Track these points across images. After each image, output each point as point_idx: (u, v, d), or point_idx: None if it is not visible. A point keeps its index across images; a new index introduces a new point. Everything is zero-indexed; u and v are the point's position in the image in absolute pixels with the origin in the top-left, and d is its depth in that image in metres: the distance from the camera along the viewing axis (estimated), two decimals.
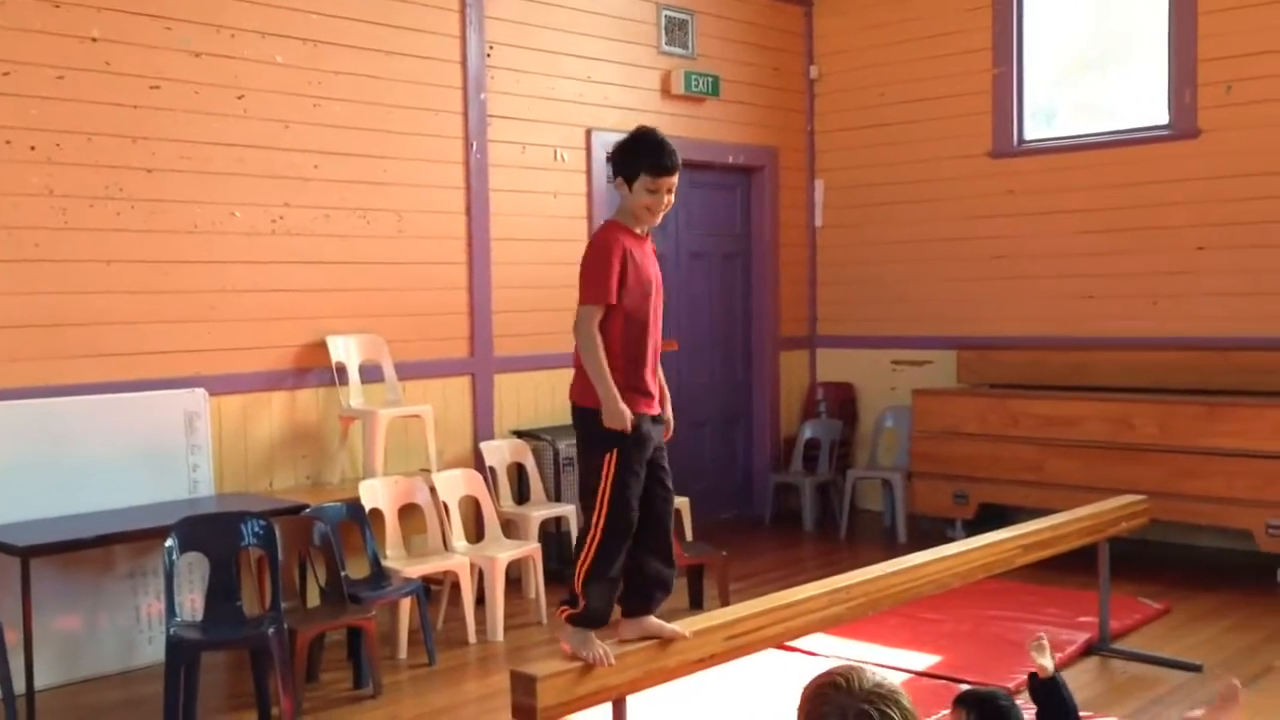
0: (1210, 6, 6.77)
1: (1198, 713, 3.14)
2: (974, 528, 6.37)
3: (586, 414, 3.17)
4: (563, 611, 3.12)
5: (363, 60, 5.97)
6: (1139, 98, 7.25)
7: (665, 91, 7.51)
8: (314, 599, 5.08)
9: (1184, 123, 6.92)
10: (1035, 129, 7.68)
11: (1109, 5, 7.44)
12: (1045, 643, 3.36)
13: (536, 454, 6.54)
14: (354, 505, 5.26)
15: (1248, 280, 6.73)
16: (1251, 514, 6.16)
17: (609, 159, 3.29)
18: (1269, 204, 6.63)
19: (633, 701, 3.16)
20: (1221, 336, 6.81)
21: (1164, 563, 6.62)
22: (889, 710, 1.81)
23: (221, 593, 4.54)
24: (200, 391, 5.32)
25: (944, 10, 7.84)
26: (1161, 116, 7.07)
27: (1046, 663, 3.30)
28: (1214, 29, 6.77)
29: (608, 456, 3.11)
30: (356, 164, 5.96)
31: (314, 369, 5.79)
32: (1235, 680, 3.16)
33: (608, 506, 3.09)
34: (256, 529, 4.56)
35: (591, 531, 3.11)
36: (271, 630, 4.31)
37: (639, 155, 3.16)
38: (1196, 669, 4.80)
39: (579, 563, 3.13)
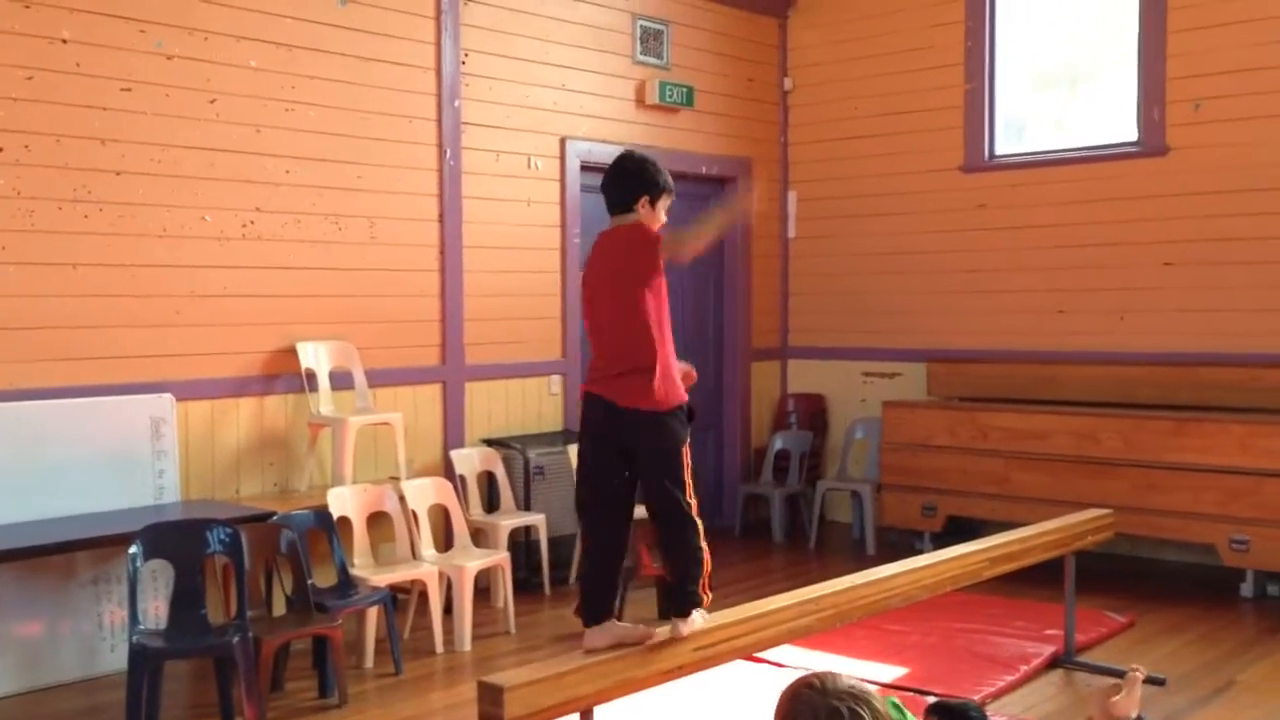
0: (1179, 25, 6.85)
1: (1118, 698, 3.21)
2: (942, 540, 6.40)
3: (668, 418, 3.21)
4: (688, 613, 3.17)
5: (337, 65, 5.95)
6: (1109, 114, 7.32)
7: (640, 101, 7.52)
8: (280, 607, 5.04)
9: (1153, 140, 6.99)
10: (1006, 144, 7.75)
11: (1080, 23, 7.51)
12: (1137, 679, 3.25)
13: (507, 463, 6.52)
14: (322, 513, 5.23)
15: (1214, 297, 6.81)
16: (1216, 529, 6.23)
17: (625, 181, 3.35)
18: (1235, 221, 6.71)
19: (600, 712, 3.15)
20: (1188, 352, 6.87)
21: (1129, 576, 6.67)
22: (859, 709, 1.86)
23: (186, 600, 4.50)
24: (167, 397, 5.28)
25: (917, 25, 7.89)
26: (1131, 133, 7.14)
27: (1129, 706, 3.21)
28: (1183, 48, 6.85)
29: (686, 455, 3.24)
30: (329, 169, 5.93)
31: (283, 375, 5.75)
32: (1138, 666, 3.23)
33: (692, 492, 3.24)
34: (222, 536, 4.52)
35: (695, 534, 3.21)
36: (236, 639, 4.27)
37: (660, 176, 3.34)
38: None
39: (701, 563, 3.19)
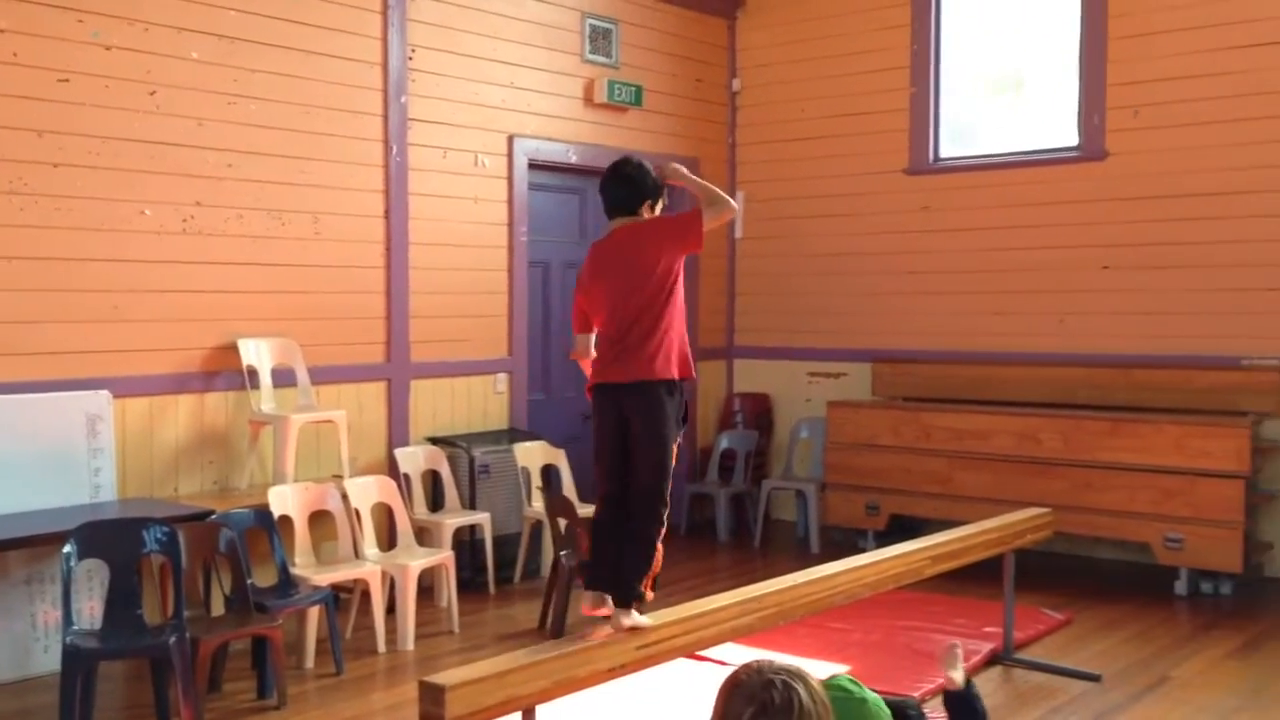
0: (1120, 32, 6.97)
1: (955, 674, 3.29)
2: (885, 539, 6.47)
3: (676, 388, 3.34)
4: (629, 605, 3.26)
5: (281, 59, 5.88)
6: (1051, 119, 7.43)
7: (588, 100, 7.52)
8: (219, 607, 4.98)
9: (1093, 145, 7.10)
10: (951, 147, 7.83)
11: (1024, 28, 7.61)
12: (958, 654, 3.40)
13: (452, 461, 6.49)
14: (262, 512, 5.17)
15: (1150, 300, 6.93)
16: (1150, 527, 6.34)
17: (630, 187, 3.45)
18: (1172, 226, 6.84)
19: (543, 711, 3.15)
20: (1124, 354, 6.99)
21: (1067, 574, 6.77)
22: (794, 684, 1.89)
23: (121, 600, 4.43)
24: (104, 393, 5.19)
25: (864, 29, 7.96)
26: (1072, 138, 7.25)
27: (956, 675, 3.35)
28: (1123, 55, 6.97)
29: (678, 440, 3.37)
30: (272, 164, 5.87)
31: (223, 372, 5.68)
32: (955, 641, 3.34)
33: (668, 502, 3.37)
34: (159, 535, 4.45)
35: (657, 530, 3.32)
36: (172, 639, 4.21)
37: (657, 180, 3.50)
38: (1095, 679, 4.92)
39: (652, 560, 3.31)
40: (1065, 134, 7.30)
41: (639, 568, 3.29)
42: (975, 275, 7.58)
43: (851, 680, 2.67)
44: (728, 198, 3.44)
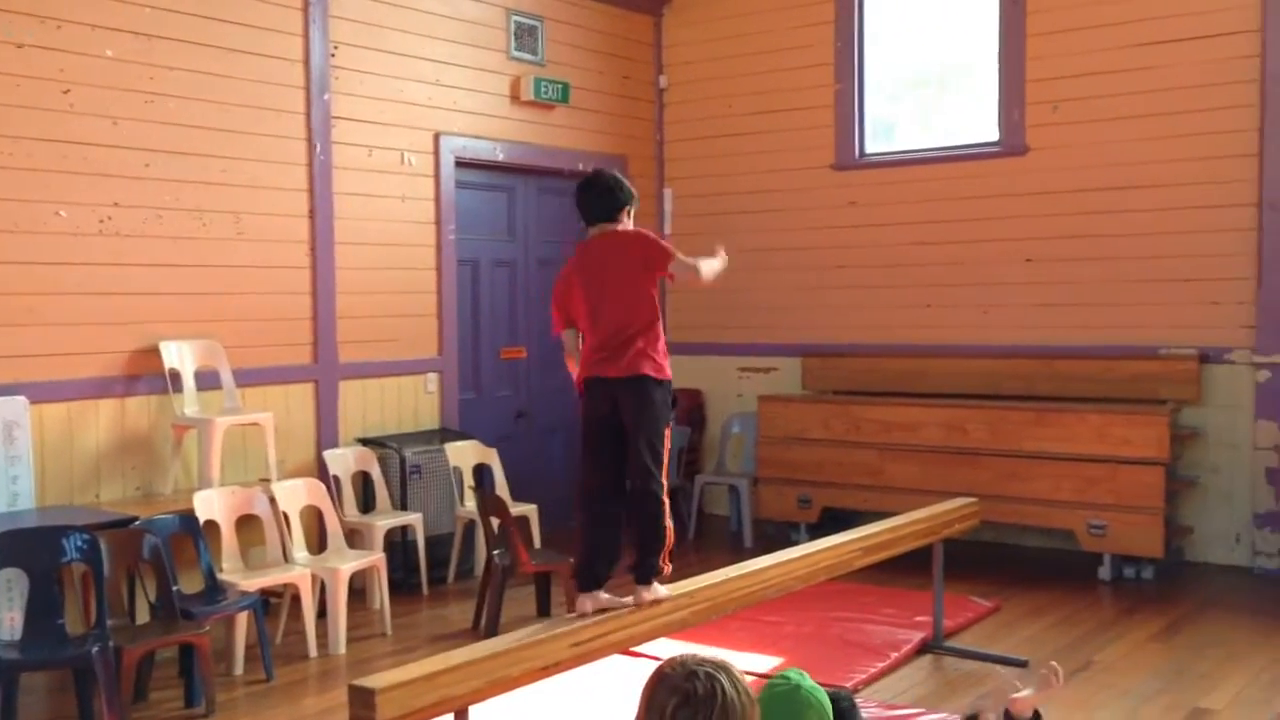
0: (1038, 29, 7.09)
1: (1024, 693, 3.24)
2: (817, 531, 6.53)
3: (664, 385, 3.61)
4: (650, 581, 3.55)
5: (199, 56, 5.78)
6: (973, 115, 7.54)
7: (515, 97, 7.48)
8: (144, 615, 4.89)
9: (1013, 140, 7.22)
10: (875, 143, 7.92)
11: (946, 25, 7.71)
12: (1046, 678, 3.21)
13: (382, 462, 6.42)
14: (188, 517, 5.08)
15: (1071, 291, 7.07)
16: (1074, 515, 6.47)
17: (607, 196, 3.73)
18: (1090, 219, 6.98)
19: (476, 712, 3.13)
20: (1047, 345, 7.12)
21: (995, 562, 6.88)
22: (717, 675, 1.93)
23: (42, 610, 4.32)
24: (20, 399, 5.05)
25: (788, 26, 8.01)
26: (993, 134, 7.36)
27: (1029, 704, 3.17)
28: (1041, 51, 7.09)
29: (669, 429, 3.62)
30: (192, 163, 5.76)
31: (145, 376, 5.57)
32: (1056, 665, 3.28)
33: (668, 470, 3.60)
34: (80, 543, 4.36)
35: (662, 511, 3.55)
36: (95, 648, 4.13)
37: (630, 188, 3.79)
38: (1023, 664, 5.00)
39: (664, 538, 3.56)
40: (987, 129, 7.41)
41: (653, 546, 3.56)
42: (901, 269, 7.67)
43: (797, 671, 2.69)
44: (700, 268, 3.65)
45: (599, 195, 3.73)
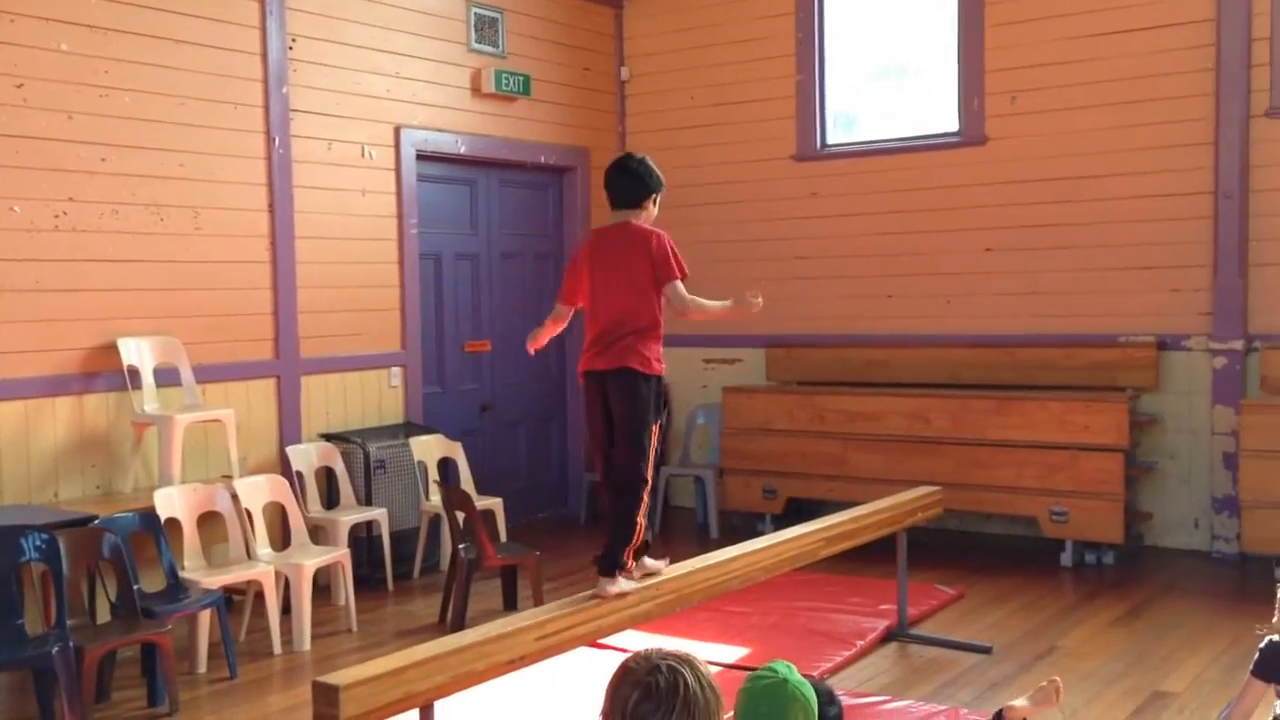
0: (996, 20, 7.14)
1: (1019, 702, 3.28)
2: (782, 522, 6.55)
3: (651, 380, 3.67)
4: (613, 574, 3.58)
5: (155, 50, 5.71)
6: (934, 105, 7.58)
7: (476, 90, 7.44)
8: (105, 614, 4.83)
9: (973, 130, 7.27)
10: (837, 134, 7.94)
11: (906, 16, 7.74)
12: (1046, 692, 3.27)
13: (346, 457, 6.39)
14: (148, 515, 5.03)
15: (1030, 280, 7.13)
16: (1036, 502, 6.53)
17: (635, 181, 3.79)
18: (1049, 208, 7.04)
19: (442, 707, 3.12)
20: (1008, 334, 7.18)
21: (958, 550, 6.94)
22: (680, 668, 1.93)
23: (1, 610, 4.27)
24: None
25: (749, 17, 8.02)
26: (952, 124, 7.41)
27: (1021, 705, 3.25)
28: (1000, 41, 7.14)
29: (657, 424, 3.68)
30: (149, 157, 5.69)
31: (104, 373, 5.50)
32: (1057, 678, 3.32)
33: (653, 464, 3.67)
34: (38, 542, 4.31)
35: (637, 507, 3.61)
36: (55, 648, 4.08)
37: (659, 175, 3.86)
38: (987, 650, 5.05)
39: (633, 534, 3.59)
40: (947, 120, 7.45)
41: (620, 538, 3.59)
42: (864, 259, 7.70)
43: (785, 664, 2.69)
44: (692, 306, 3.83)
45: (625, 180, 3.78)
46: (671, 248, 3.76)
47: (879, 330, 7.64)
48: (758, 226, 8.09)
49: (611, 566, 3.60)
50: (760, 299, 3.94)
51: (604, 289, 3.71)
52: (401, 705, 2.92)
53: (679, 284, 3.72)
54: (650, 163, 3.83)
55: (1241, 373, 6.51)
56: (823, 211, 7.84)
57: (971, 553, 6.91)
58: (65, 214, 5.38)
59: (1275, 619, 3.24)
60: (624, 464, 3.60)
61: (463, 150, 7.37)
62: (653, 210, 3.84)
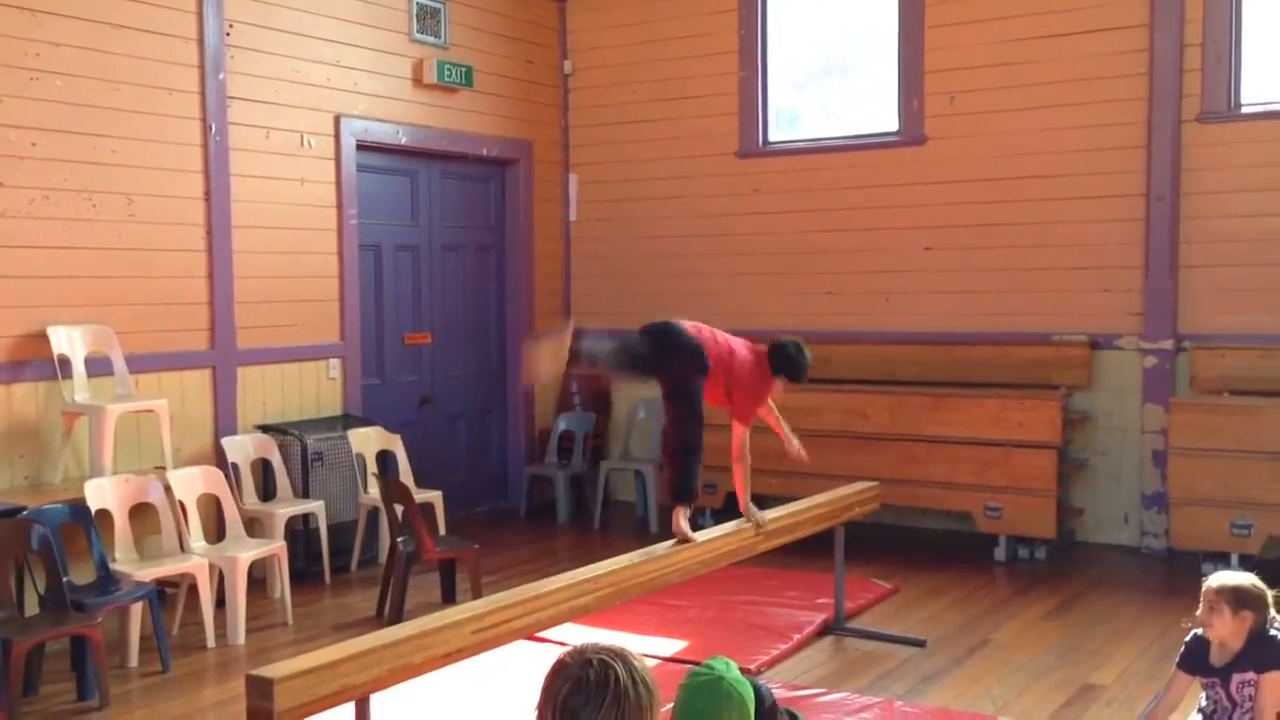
0: (935, 21, 7.22)
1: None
2: (722, 516, 6.57)
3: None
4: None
5: (87, 33, 5.59)
6: (874, 105, 7.64)
7: (417, 80, 7.39)
8: (33, 607, 4.74)
9: (912, 130, 7.35)
10: (779, 131, 7.98)
11: (848, 16, 7.80)
12: None
13: (284, 449, 6.31)
14: (78, 506, 4.94)
15: (968, 279, 7.22)
16: (971, 497, 6.62)
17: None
18: (986, 208, 7.13)
19: (379, 700, 3.10)
20: (946, 331, 7.27)
21: (894, 545, 7.01)
22: (612, 662, 1.93)
23: None
24: None
25: (692, 13, 8.03)
26: (893, 124, 7.48)
27: None
28: (940, 43, 7.22)
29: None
30: (81, 142, 5.58)
31: (32, 361, 5.38)
32: None
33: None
34: None
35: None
36: None
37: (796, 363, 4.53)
38: (921, 644, 5.11)
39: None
40: (887, 119, 7.52)
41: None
42: (805, 256, 7.75)
43: (724, 661, 2.70)
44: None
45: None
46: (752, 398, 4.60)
47: (819, 326, 7.67)
48: (700, 222, 8.11)
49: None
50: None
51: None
52: (337, 698, 2.90)
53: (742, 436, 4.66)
54: (803, 353, 4.54)
55: (1171, 372, 6.65)
56: (764, 208, 7.88)
57: (907, 547, 6.99)
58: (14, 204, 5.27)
59: (1199, 613, 3.33)
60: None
61: (404, 141, 7.31)
62: (775, 386, 4.59)
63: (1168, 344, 6.66)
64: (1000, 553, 6.64)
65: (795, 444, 4.85)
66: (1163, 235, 6.64)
